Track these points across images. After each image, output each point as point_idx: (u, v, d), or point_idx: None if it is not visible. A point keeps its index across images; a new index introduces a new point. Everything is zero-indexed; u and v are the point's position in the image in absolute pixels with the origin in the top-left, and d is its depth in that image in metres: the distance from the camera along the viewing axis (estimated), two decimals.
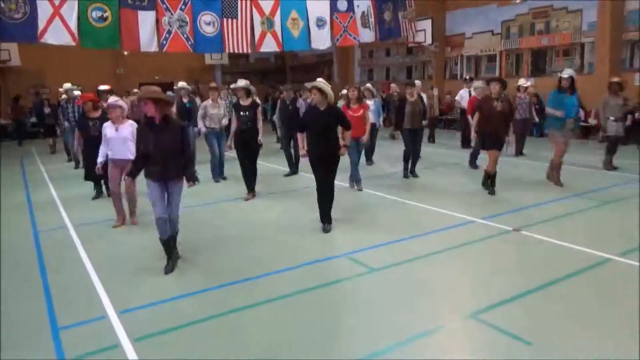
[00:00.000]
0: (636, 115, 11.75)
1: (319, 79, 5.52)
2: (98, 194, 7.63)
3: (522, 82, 10.56)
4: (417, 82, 9.30)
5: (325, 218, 5.64)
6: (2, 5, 8.52)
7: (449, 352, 3.08)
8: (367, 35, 12.80)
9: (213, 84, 9.29)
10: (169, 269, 4.46)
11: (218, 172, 8.71)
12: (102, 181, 7.42)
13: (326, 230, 5.54)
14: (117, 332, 3.39)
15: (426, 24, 15.51)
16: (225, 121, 8.46)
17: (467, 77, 12.61)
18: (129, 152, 5.61)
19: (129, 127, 5.79)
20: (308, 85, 5.59)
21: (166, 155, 4.31)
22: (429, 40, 15.89)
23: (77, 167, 10.28)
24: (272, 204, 6.97)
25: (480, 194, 7.09)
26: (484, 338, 3.23)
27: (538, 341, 3.10)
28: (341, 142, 5.63)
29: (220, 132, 8.51)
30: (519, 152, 10.36)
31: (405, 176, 8.42)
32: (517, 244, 5.01)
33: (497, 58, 15.73)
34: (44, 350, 3.21)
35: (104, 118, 6.64)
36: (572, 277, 4.09)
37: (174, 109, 9.96)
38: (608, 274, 4.19)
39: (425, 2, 15.01)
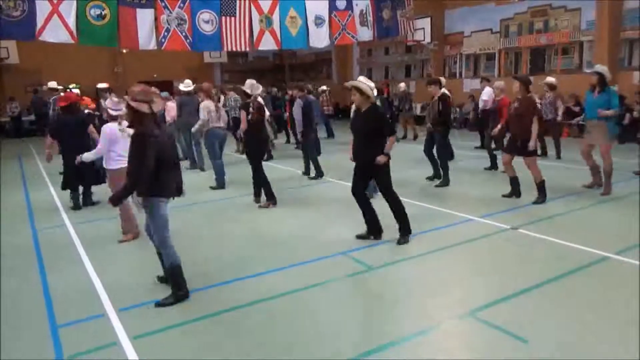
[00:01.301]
0: (634, 113, 11.78)
1: (360, 77, 4.93)
2: (75, 206, 6.83)
3: (548, 79, 9.80)
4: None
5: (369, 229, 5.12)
6: (1, 3, 8.50)
7: (446, 351, 3.09)
8: (365, 34, 12.81)
9: (204, 84, 8.58)
10: (159, 301, 3.77)
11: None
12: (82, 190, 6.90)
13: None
14: (116, 330, 3.40)
15: (425, 23, 15.52)
16: (196, 126, 8.00)
17: (483, 77, 11.98)
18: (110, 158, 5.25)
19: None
20: (348, 84, 5.01)
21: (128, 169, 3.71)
22: (427, 39, 15.91)
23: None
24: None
25: (480, 193, 7.10)
26: (481, 336, 3.25)
27: (535, 339, 3.11)
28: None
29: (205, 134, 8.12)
30: (558, 155, 9.64)
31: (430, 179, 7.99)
32: (515, 243, 5.01)
33: (496, 57, 15.75)
34: (43, 347, 3.22)
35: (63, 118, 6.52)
36: (569, 275, 4.11)
37: (171, 108, 9.91)
38: (606, 272, 4.20)
39: (423, 1, 15.01)
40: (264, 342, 3.23)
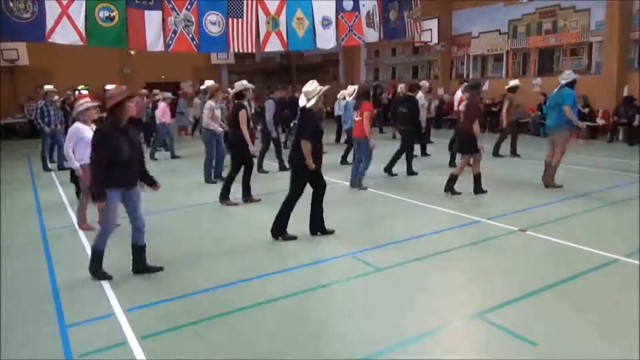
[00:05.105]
0: None
1: (310, 81, 5.19)
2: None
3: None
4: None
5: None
6: (11, 4, 8.60)
7: (453, 352, 3.07)
8: (372, 35, 12.80)
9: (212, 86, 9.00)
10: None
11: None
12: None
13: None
14: (124, 329, 3.42)
15: (432, 24, 15.48)
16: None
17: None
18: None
19: None
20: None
21: None
22: (435, 40, 15.86)
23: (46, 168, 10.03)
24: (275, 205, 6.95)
25: (486, 195, 7.06)
26: (488, 338, 3.23)
27: (543, 341, 3.09)
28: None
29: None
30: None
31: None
32: (522, 244, 4.99)
33: (504, 57, 15.66)
34: (52, 347, 3.24)
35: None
36: (578, 277, 4.08)
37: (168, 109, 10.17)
38: (615, 274, 4.17)
39: (431, 2, 14.97)
40: (272, 342, 3.23)
